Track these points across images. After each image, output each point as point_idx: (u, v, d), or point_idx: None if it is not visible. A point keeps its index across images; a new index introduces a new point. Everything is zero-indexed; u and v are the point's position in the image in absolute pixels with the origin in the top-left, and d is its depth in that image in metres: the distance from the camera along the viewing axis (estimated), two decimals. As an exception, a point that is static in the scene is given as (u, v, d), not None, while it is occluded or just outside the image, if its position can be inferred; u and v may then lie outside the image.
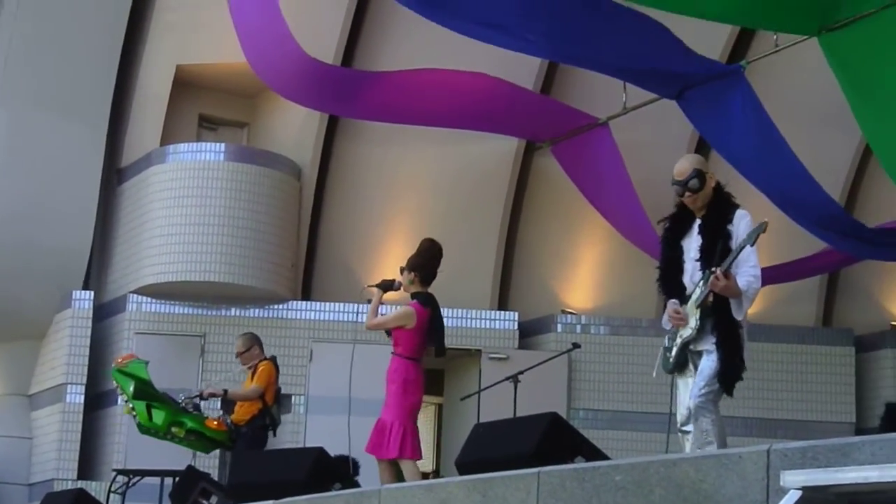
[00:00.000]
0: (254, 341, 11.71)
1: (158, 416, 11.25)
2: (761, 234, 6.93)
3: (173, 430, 11.29)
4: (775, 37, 12.00)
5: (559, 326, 15.18)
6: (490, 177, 15.50)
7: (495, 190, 15.53)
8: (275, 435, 11.65)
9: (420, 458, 9.15)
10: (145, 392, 11.31)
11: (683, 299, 7.17)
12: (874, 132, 10.79)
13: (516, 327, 15.15)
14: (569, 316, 15.35)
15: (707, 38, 13.12)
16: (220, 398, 11.49)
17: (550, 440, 7.07)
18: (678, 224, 7.33)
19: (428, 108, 13.75)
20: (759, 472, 4.65)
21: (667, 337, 7.31)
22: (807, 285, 15.40)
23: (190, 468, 11.54)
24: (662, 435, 14.57)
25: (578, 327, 15.20)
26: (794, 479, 4.06)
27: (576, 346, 12.31)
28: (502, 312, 15.34)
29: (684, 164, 7.23)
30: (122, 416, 13.64)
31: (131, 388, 11.25)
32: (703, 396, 6.91)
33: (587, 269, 15.79)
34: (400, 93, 13.55)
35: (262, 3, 12.86)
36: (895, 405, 12.04)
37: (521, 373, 11.18)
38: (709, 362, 6.98)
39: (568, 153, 14.63)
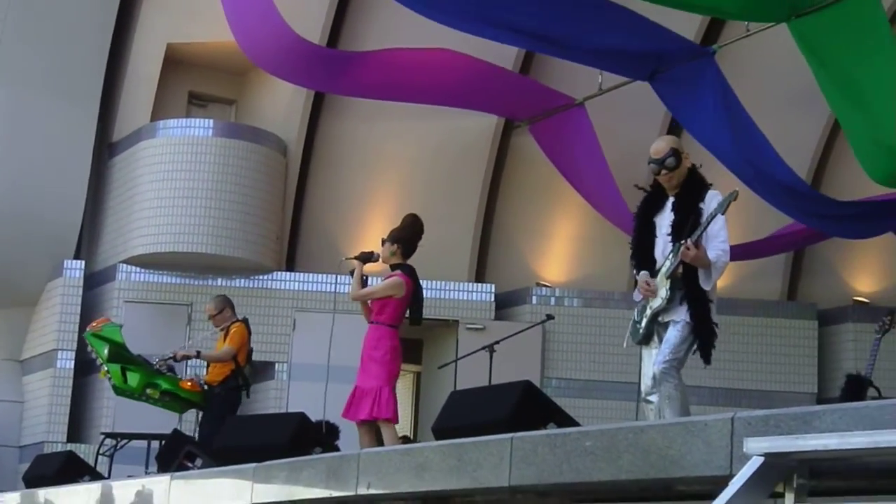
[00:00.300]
0: (225, 303, 11.56)
1: (133, 379, 11.18)
2: (731, 206, 6.96)
3: (148, 391, 11.22)
4: (747, 23, 11.98)
5: (534, 298, 15.19)
6: (469, 154, 15.50)
7: (474, 166, 15.52)
8: (248, 396, 11.57)
9: (395, 420, 9.17)
10: (120, 355, 11.22)
11: (654, 273, 7.18)
12: (844, 115, 10.77)
13: (493, 299, 15.16)
14: (543, 288, 15.36)
15: (679, 24, 13.09)
16: (192, 359, 11.46)
17: (524, 407, 7.07)
18: (652, 201, 7.36)
19: (410, 84, 13.68)
20: (723, 439, 4.65)
21: (636, 310, 7.33)
22: (772, 261, 15.44)
23: (176, 431, 11.53)
24: (631, 403, 14.63)
25: (552, 299, 15.22)
26: (757, 446, 4.05)
27: (550, 317, 12.33)
28: (479, 284, 15.34)
29: (661, 144, 7.24)
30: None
31: (106, 352, 11.16)
32: (667, 363, 6.93)
33: (562, 244, 15.80)
34: (384, 69, 13.49)
35: None
36: (855, 376, 12.03)
37: (497, 343, 11.20)
38: (674, 331, 7.00)
39: (545, 132, 14.60)
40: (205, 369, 11.83)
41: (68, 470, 11.56)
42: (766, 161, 11.75)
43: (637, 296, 7.26)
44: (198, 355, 11.30)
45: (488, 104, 14.48)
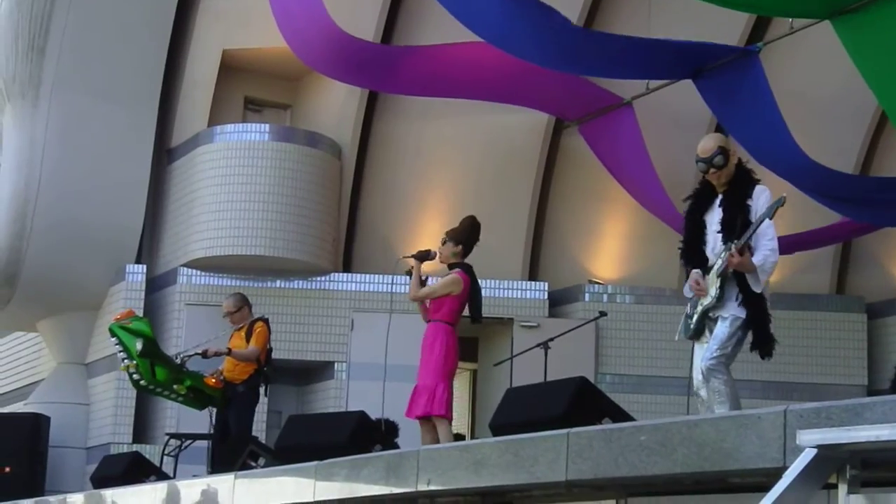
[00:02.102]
0: (244, 301, 11.60)
1: (161, 374, 11.13)
2: (780, 208, 6.96)
3: (175, 387, 11.18)
4: (791, 20, 11.97)
5: (586, 296, 15.20)
6: (520, 154, 15.53)
7: (525, 167, 15.55)
8: (266, 394, 11.57)
9: (449, 417, 9.20)
10: (151, 350, 11.16)
11: (706, 270, 7.21)
12: (893, 111, 10.72)
13: (546, 297, 15.18)
14: (596, 286, 15.36)
15: (724, 22, 13.10)
16: (223, 356, 11.36)
17: (579, 403, 7.11)
18: (701, 199, 7.37)
19: (460, 79, 13.74)
20: (776, 431, 4.67)
21: (689, 304, 7.35)
22: (821, 256, 15.37)
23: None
24: (684, 398, 14.60)
25: (605, 296, 15.22)
26: (810, 438, 4.07)
27: (602, 314, 12.35)
28: (533, 283, 15.37)
29: (709, 143, 7.26)
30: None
31: (139, 346, 11.03)
32: (714, 359, 6.96)
33: (613, 242, 15.80)
34: (433, 63, 13.56)
35: None
36: (905, 368, 12.02)
37: (551, 340, 11.23)
38: (723, 327, 7.02)
39: (594, 132, 14.65)
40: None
41: (134, 470, 11.69)
42: (800, 167, 11.77)
43: (688, 291, 7.28)
44: (229, 353, 11.28)
45: (538, 101, 14.51)
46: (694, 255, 7.28)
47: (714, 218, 7.21)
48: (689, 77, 12.45)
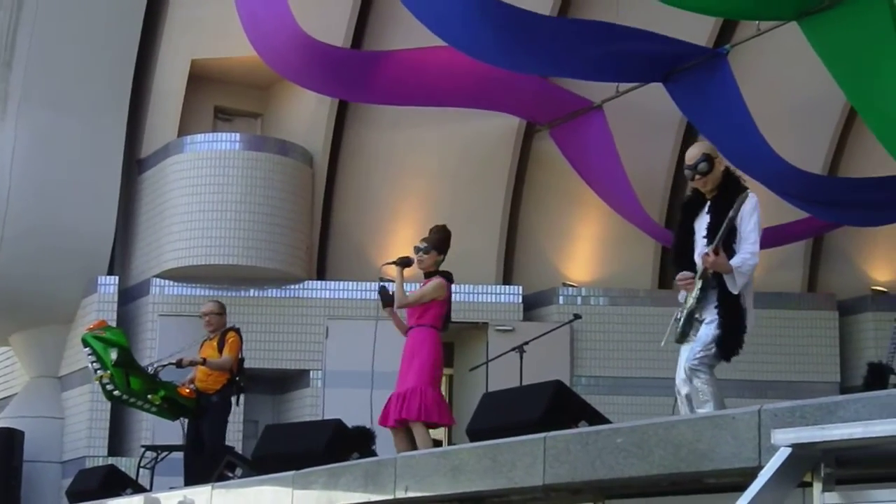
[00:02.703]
0: (224, 309, 11.59)
1: (136, 384, 11.08)
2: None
3: (149, 397, 11.12)
4: (758, 22, 12.06)
5: (561, 298, 15.23)
6: (492, 159, 15.56)
7: (497, 172, 15.58)
8: (237, 404, 11.52)
9: (454, 422, 9.18)
10: (126, 360, 11.10)
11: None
12: (864, 109, 10.82)
13: (520, 300, 15.20)
14: (570, 288, 15.40)
15: (692, 24, 13.17)
16: (198, 365, 11.27)
17: (555, 406, 7.15)
18: (691, 207, 7.47)
19: (430, 86, 13.78)
20: (751, 431, 4.72)
21: (678, 310, 7.37)
22: (792, 253, 15.46)
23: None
24: (661, 398, 14.72)
25: (579, 299, 15.26)
26: (785, 438, 4.12)
27: (577, 316, 12.40)
28: (507, 287, 15.39)
29: (694, 150, 7.38)
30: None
31: (114, 355, 10.97)
32: (697, 359, 7.03)
33: (586, 244, 15.85)
34: (403, 70, 13.58)
35: None
36: (877, 364, 12.09)
37: (526, 343, 11.27)
38: (707, 329, 7.08)
39: (565, 136, 14.70)
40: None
41: (111, 483, 11.65)
42: (770, 164, 11.86)
43: (681, 296, 7.32)
44: (204, 362, 11.21)
45: (509, 105, 14.56)
46: (683, 262, 7.33)
47: (702, 224, 7.30)
48: (659, 80, 12.53)
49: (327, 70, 13.62)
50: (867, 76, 10.12)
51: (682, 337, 7.25)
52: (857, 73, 10.24)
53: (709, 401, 6.96)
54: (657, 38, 12.06)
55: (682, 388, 7.17)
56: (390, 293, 9.27)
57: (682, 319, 7.24)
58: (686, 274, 7.24)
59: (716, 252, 6.99)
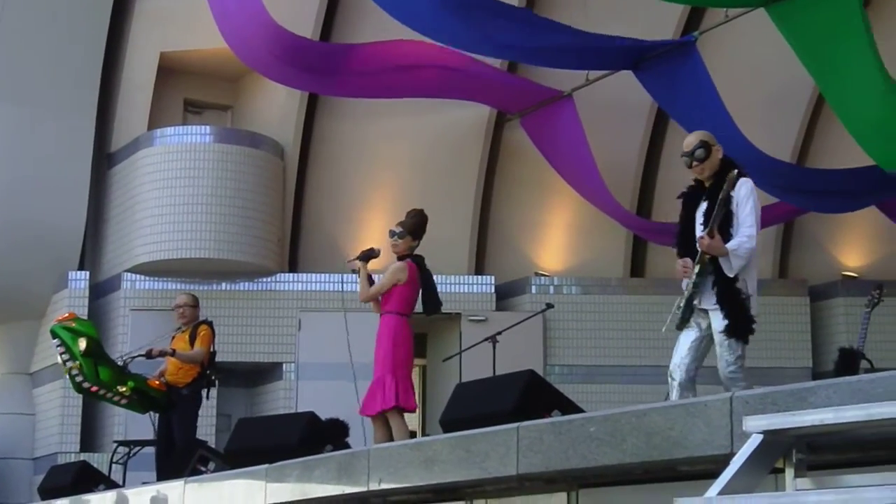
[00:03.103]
0: (197, 302, 11.51)
1: (105, 374, 10.95)
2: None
3: (119, 388, 11.00)
4: (726, 9, 12.09)
5: (533, 288, 15.25)
6: (463, 149, 15.56)
7: (469, 162, 15.58)
8: (207, 398, 11.43)
9: (413, 408, 9.11)
10: (95, 350, 11.00)
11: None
12: (831, 95, 10.86)
13: (493, 290, 15.20)
14: (542, 278, 15.42)
15: (661, 12, 13.19)
16: (167, 356, 11.17)
17: (528, 396, 7.14)
18: (691, 196, 7.46)
19: (402, 79, 13.76)
20: (723, 418, 4.73)
21: (679, 297, 7.34)
22: (763, 239, 15.39)
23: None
24: (634, 387, 14.78)
25: (551, 288, 15.27)
26: (756, 424, 4.12)
27: (549, 306, 12.40)
28: (479, 277, 15.39)
29: (691, 138, 7.39)
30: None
31: (83, 345, 10.86)
32: (731, 368, 7.00)
33: (558, 233, 15.87)
34: (373, 64, 13.54)
35: None
36: (848, 350, 12.15)
37: (499, 333, 11.25)
38: (718, 325, 7.05)
39: (536, 125, 14.71)
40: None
41: (83, 479, 11.58)
42: (741, 146, 11.90)
43: (684, 283, 7.31)
44: (173, 353, 11.12)
45: (479, 94, 14.55)
46: (688, 253, 7.33)
47: (700, 210, 7.29)
48: (628, 67, 12.55)
49: (297, 62, 13.57)
50: (835, 62, 10.16)
51: (682, 323, 7.24)
52: (825, 58, 10.27)
53: None
54: (624, 40, 12.14)
55: (676, 374, 7.16)
56: (374, 251, 9.26)
57: (682, 306, 7.22)
58: (685, 260, 7.24)
59: (711, 235, 6.99)
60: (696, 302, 7.16)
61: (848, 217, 15.05)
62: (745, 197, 7.11)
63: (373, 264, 9.47)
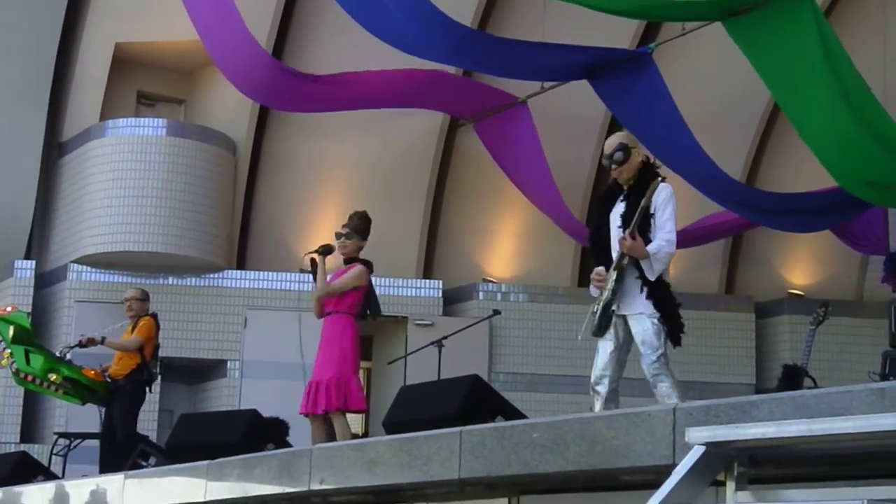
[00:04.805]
0: (147, 296, 11.42)
1: (36, 361, 10.87)
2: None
3: (50, 376, 10.90)
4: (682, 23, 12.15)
5: (481, 294, 15.25)
6: (415, 153, 15.55)
7: (420, 166, 15.57)
8: (150, 391, 11.34)
9: (366, 409, 9.10)
10: (24, 338, 10.91)
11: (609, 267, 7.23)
12: (788, 108, 10.90)
13: (440, 295, 15.20)
14: (490, 284, 15.43)
15: (619, 22, 13.22)
16: (98, 344, 11.07)
17: (472, 401, 7.14)
18: (608, 197, 7.42)
19: (358, 90, 13.78)
20: (666, 429, 4.73)
21: (594, 304, 7.32)
22: (709, 254, 15.59)
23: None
24: (579, 396, 14.76)
25: (499, 295, 15.28)
26: (698, 436, 4.12)
27: (496, 312, 12.39)
28: (427, 281, 15.39)
29: (611, 140, 7.36)
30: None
31: (10, 333, 10.81)
32: (655, 364, 6.98)
33: (507, 240, 15.89)
34: (326, 83, 13.61)
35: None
36: (792, 366, 12.24)
37: (445, 338, 11.23)
38: (643, 327, 7.02)
39: (489, 131, 14.71)
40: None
41: (22, 470, 11.46)
42: (698, 158, 11.96)
43: (593, 291, 7.29)
44: (102, 341, 11.01)
45: (433, 101, 14.57)
46: (599, 252, 7.31)
47: (617, 213, 7.26)
48: (582, 77, 12.58)
49: (256, 82, 13.62)
50: (792, 75, 10.20)
51: (599, 330, 7.22)
52: (781, 72, 10.32)
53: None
54: (579, 50, 12.16)
55: (600, 387, 7.14)
56: (331, 247, 9.22)
57: (598, 312, 7.20)
58: (600, 271, 7.21)
59: (632, 237, 6.98)
60: (613, 308, 7.14)
61: (796, 235, 15.16)
62: (664, 202, 7.09)
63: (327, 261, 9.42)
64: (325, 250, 9.16)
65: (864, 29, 13.95)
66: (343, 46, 14.47)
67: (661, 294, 7.07)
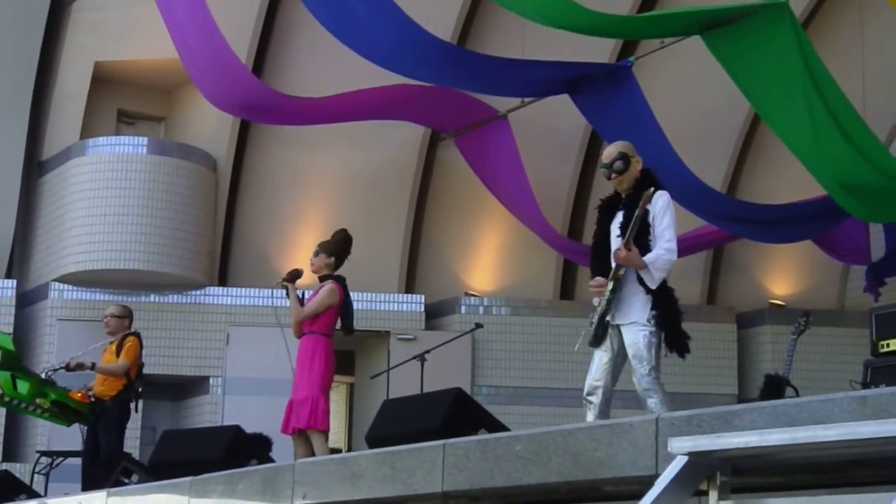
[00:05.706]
0: (129, 313, 11.27)
1: (23, 387, 10.69)
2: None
3: (38, 401, 10.76)
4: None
5: (463, 308, 15.24)
6: (397, 168, 15.54)
7: (402, 180, 15.56)
8: (136, 410, 11.22)
9: (328, 430, 9.13)
10: (10, 363, 10.75)
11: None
12: (774, 121, 10.93)
13: (423, 309, 15.19)
14: (472, 298, 15.42)
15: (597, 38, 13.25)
16: (86, 370, 10.91)
17: (455, 414, 7.13)
18: (608, 208, 7.40)
19: (338, 104, 13.78)
20: (648, 439, 4.72)
21: (592, 314, 7.29)
22: (691, 265, 15.60)
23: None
24: (561, 409, 14.77)
25: (481, 308, 15.27)
26: (681, 446, 4.12)
27: (479, 326, 12.40)
28: (409, 295, 15.37)
29: (611, 149, 7.34)
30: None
31: None
32: (647, 378, 6.96)
33: (489, 254, 15.88)
34: (313, 102, 13.63)
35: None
36: (773, 376, 12.26)
37: (428, 352, 11.24)
38: (636, 339, 7.00)
39: (470, 145, 14.72)
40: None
41: (4, 489, 11.40)
42: (679, 171, 11.99)
43: (595, 300, 7.27)
44: (93, 367, 10.89)
45: (414, 115, 14.57)
46: (601, 263, 7.28)
47: (616, 223, 7.25)
48: (563, 92, 12.60)
49: (236, 99, 13.60)
50: (771, 88, 10.24)
51: (596, 341, 7.20)
52: (761, 85, 10.36)
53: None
54: (559, 65, 12.20)
55: (593, 397, 7.12)
56: (299, 271, 9.28)
57: (594, 323, 7.19)
58: (598, 279, 7.20)
59: (627, 247, 6.96)
60: (608, 318, 7.12)
61: (777, 246, 15.19)
62: (662, 210, 7.07)
63: (299, 282, 9.48)
64: (292, 276, 9.30)
65: (843, 41, 14.00)
66: (322, 64, 14.51)
67: (664, 302, 7.04)
